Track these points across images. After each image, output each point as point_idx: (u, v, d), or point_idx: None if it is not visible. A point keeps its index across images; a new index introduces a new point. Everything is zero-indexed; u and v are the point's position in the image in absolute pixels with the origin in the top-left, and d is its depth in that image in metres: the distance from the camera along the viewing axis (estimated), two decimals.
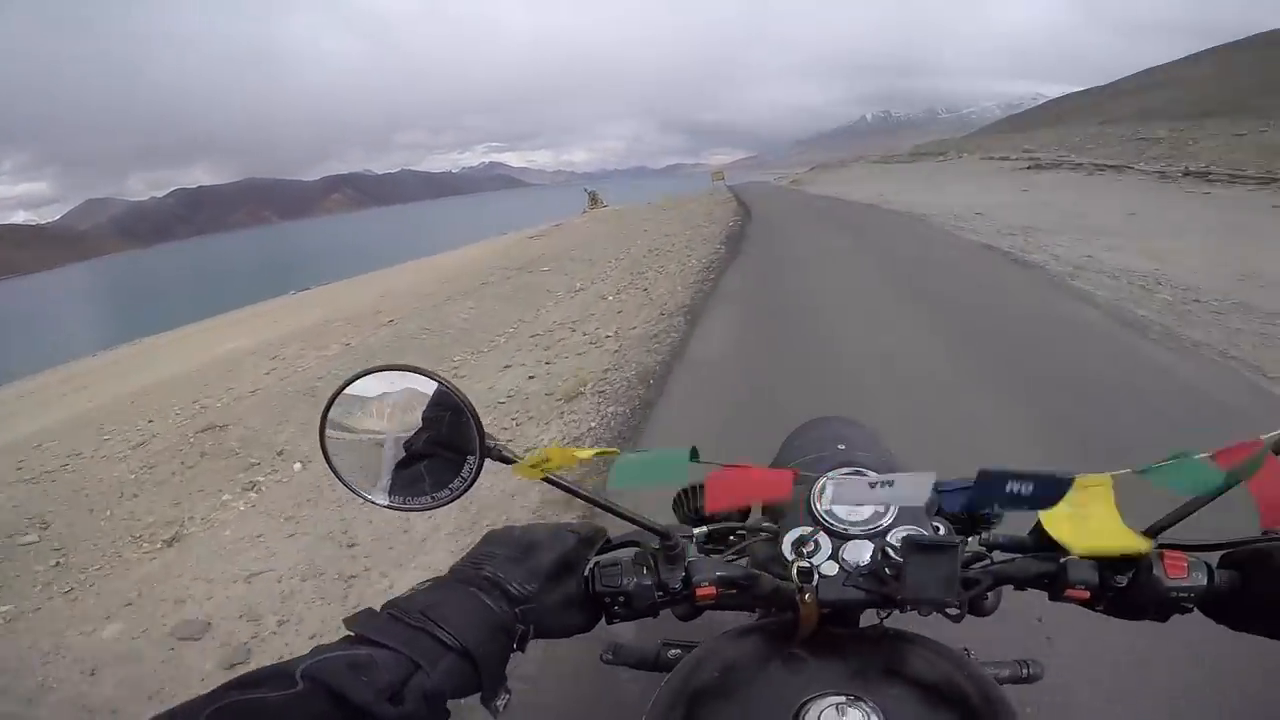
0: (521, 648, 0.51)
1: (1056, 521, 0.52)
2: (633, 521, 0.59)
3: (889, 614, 0.57)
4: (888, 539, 0.57)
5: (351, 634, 0.43)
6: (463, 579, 0.50)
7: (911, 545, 0.51)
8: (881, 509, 0.59)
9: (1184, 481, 0.49)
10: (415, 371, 0.54)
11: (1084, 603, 0.55)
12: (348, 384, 0.55)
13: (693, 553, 0.58)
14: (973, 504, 0.58)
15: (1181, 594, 0.52)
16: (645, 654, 0.72)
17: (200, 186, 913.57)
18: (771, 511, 0.70)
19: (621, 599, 0.56)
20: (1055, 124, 50.06)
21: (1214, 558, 0.55)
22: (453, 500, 0.55)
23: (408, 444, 0.55)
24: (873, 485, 0.49)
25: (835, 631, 0.56)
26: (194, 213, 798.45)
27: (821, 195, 21.06)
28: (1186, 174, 13.48)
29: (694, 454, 0.54)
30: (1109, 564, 0.53)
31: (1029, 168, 20.36)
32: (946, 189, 17.05)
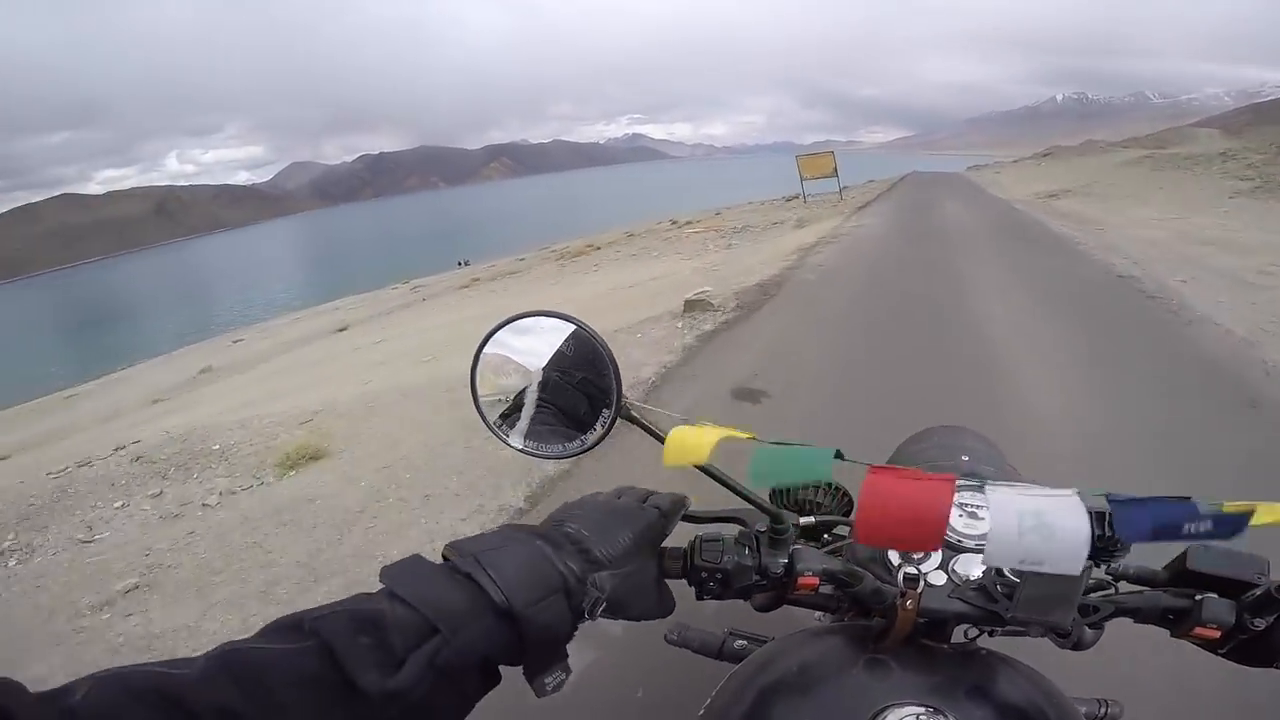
0: (592, 616, 0.45)
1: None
2: (745, 499, 0.57)
3: (980, 634, 0.55)
4: None
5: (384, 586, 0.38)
6: (536, 532, 0.46)
7: None
8: None
9: None
10: (567, 320, 0.56)
11: (1209, 643, 0.52)
12: (500, 327, 0.57)
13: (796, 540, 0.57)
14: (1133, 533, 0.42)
15: None
16: (710, 641, 0.73)
17: (381, 153, 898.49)
18: None
19: (719, 576, 0.53)
20: None
21: None
22: (583, 452, 0.57)
23: (550, 392, 0.57)
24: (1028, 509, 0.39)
25: (924, 643, 0.54)
26: (375, 176, 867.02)
27: None
28: None
29: (839, 454, 0.44)
30: (1250, 606, 0.50)
31: None
32: None
